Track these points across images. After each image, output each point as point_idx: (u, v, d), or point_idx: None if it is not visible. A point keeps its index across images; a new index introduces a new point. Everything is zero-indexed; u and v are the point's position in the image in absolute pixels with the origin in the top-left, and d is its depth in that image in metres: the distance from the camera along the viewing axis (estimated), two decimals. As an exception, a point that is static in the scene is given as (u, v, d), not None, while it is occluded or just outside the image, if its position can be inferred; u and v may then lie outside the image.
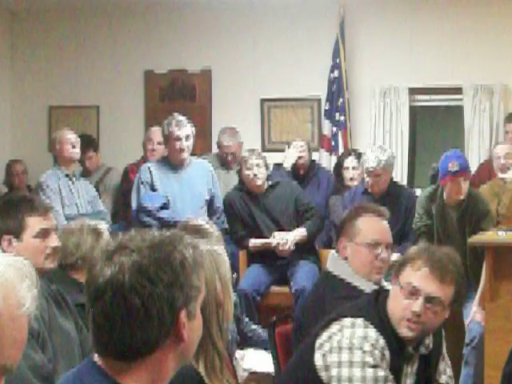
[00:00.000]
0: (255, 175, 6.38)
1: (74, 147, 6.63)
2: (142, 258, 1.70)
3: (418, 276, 2.92)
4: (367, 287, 3.64)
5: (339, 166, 7.23)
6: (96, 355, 1.77)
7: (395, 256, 6.04)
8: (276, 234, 6.35)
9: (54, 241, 3.46)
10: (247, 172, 6.41)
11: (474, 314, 5.23)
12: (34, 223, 3.41)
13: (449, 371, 3.29)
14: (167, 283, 1.70)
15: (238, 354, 4.58)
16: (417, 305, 2.91)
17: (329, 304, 3.65)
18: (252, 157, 6.41)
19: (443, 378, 3.23)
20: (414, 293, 2.92)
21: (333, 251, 3.91)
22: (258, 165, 6.39)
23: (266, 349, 4.63)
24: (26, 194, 5.50)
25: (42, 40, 8.96)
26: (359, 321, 2.90)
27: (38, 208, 3.44)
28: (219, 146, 7.69)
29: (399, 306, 2.94)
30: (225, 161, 7.61)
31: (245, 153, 6.55)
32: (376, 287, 3.66)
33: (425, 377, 3.08)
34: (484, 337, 5.02)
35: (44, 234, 3.43)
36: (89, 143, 7.88)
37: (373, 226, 3.74)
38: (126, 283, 1.68)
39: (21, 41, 9.02)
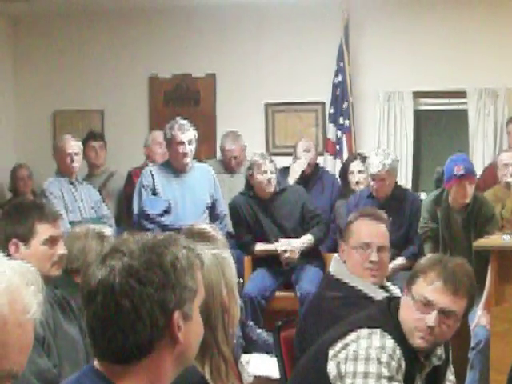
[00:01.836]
0: (269, 180, 6.36)
1: (72, 161, 6.60)
2: (133, 260, 1.71)
3: (431, 289, 2.91)
4: (366, 288, 3.67)
5: (345, 171, 7.22)
6: (96, 360, 1.77)
7: (400, 259, 6.06)
8: (283, 241, 6.34)
9: (61, 248, 3.47)
10: (261, 177, 6.36)
11: (479, 317, 5.22)
12: (43, 230, 3.41)
13: (452, 378, 3.29)
14: (158, 285, 1.70)
15: (243, 358, 4.58)
16: (430, 319, 2.90)
17: (326, 304, 3.68)
18: (266, 162, 6.38)
19: (446, 384, 3.24)
20: (427, 306, 2.91)
21: (336, 254, 3.95)
22: (271, 171, 6.38)
23: (271, 353, 4.63)
24: (36, 200, 5.51)
25: (46, 45, 8.97)
26: (376, 331, 2.88)
27: (48, 215, 3.44)
28: (222, 150, 7.70)
29: (412, 318, 2.93)
30: (228, 165, 7.61)
31: (257, 157, 6.48)
32: (375, 288, 3.68)
33: None
34: (489, 340, 5.01)
35: (52, 241, 3.43)
36: (97, 136, 7.93)
37: (364, 229, 3.78)
38: (116, 285, 1.69)
39: (24, 45, 9.03)
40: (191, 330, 1.77)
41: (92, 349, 1.76)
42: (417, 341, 2.92)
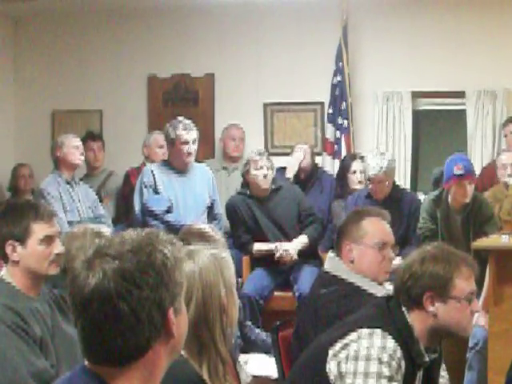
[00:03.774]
0: (264, 176, 6.36)
1: (81, 154, 6.63)
2: (125, 263, 1.69)
3: (471, 281, 2.97)
4: (365, 284, 3.69)
5: (344, 170, 7.20)
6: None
7: (397, 260, 6.05)
8: (278, 244, 6.34)
9: (57, 247, 3.46)
10: (256, 172, 6.37)
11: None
12: (39, 230, 3.41)
13: (445, 374, 3.31)
14: (153, 286, 1.70)
15: (241, 358, 4.58)
16: (477, 304, 3.02)
17: (320, 301, 3.70)
18: (263, 158, 6.39)
19: (441, 382, 3.24)
20: (471, 298, 2.97)
21: (330, 252, 3.93)
22: (267, 167, 6.38)
23: (269, 353, 4.63)
24: (30, 199, 5.51)
25: (45, 45, 8.97)
26: (377, 331, 2.88)
27: (43, 214, 3.44)
28: (223, 136, 8.07)
29: (467, 317, 2.98)
30: (226, 154, 7.92)
31: (254, 154, 6.50)
32: (374, 284, 3.70)
33: (430, 383, 3.08)
34: (488, 341, 5.02)
35: (49, 240, 3.43)
36: (96, 137, 7.95)
37: (379, 228, 3.81)
38: (112, 291, 1.67)
39: (24, 45, 9.03)
40: (181, 323, 1.79)
41: (85, 354, 1.74)
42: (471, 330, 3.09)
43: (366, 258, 3.75)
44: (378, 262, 3.74)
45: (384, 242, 3.75)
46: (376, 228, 3.79)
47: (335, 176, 7.50)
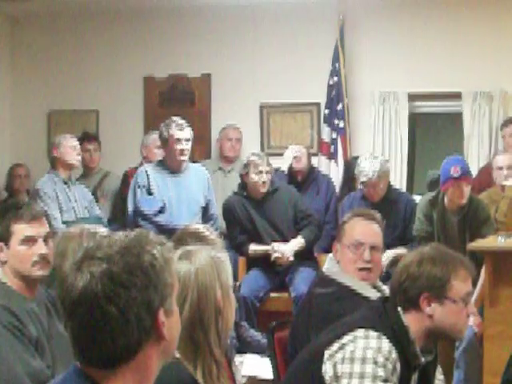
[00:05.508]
0: (264, 182, 6.36)
1: (78, 154, 6.64)
2: (112, 266, 1.69)
3: (469, 283, 2.97)
4: (359, 288, 3.72)
5: (353, 172, 7.16)
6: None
7: (400, 249, 6.06)
8: (275, 245, 6.34)
9: (41, 248, 3.43)
10: (255, 177, 6.36)
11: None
12: (19, 230, 3.40)
13: (439, 375, 3.32)
14: (141, 287, 1.70)
15: (237, 359, 4.58)
16: (472, 307, 3.09)
17: (316, 301, 3.72)
18: (263, 163, 6.38)
19: (436, 383, 3.24)
20: (467, 299, 2.97)
21: (330, 254, 3.98)
22: (267, 171, 6.37)
23: (264, 354, 4.63)
24: (16, 200, 5.50)
25: (42, 45, 8.96)
26: (373, 332, 2.89)
27: (23, 215, 3.42)
28: (220, 137, 8.09)
29: (462, 319, 2.98)
30: (222, 155, 7.97)
31: (254, 157, 6.48)
32: (368, 287, 3.71)
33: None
34: (473, 340, 5.03)
35: (30, 241, 3.41)
36: (91, 138, 7.95)
37: (357, 228, 3.85)
38: (99, 293, 1.67)
39: (21, 45, 9.02)
40: (173, 324, 1.78)
41: (76, 356, 1.75)
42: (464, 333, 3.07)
43: (344, 258, 3.82)
44: (352, 261, 3.79)
45: (359, 241, 3.79)
46: (355, 228, 3.84)
47: (341, 178, 7.48)
